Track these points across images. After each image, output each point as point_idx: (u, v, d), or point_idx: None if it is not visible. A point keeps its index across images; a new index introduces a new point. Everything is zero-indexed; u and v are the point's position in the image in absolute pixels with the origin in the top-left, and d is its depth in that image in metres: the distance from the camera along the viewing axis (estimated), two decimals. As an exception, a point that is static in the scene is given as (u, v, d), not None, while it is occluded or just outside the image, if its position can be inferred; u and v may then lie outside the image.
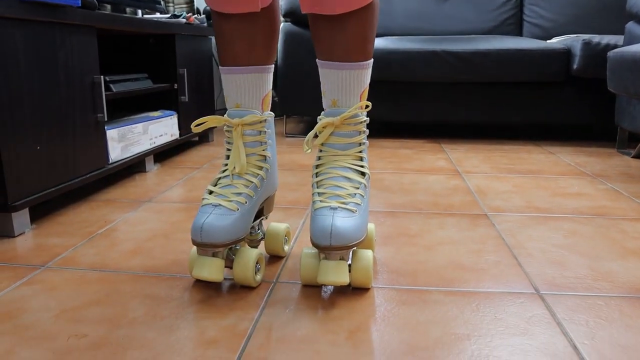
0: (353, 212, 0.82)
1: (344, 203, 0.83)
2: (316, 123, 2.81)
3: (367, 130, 0.89)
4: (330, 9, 0.81)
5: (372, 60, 0.89)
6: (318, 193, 0.85)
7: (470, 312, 0.79)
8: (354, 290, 0.86)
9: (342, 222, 0.80)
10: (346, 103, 0.87)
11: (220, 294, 0.85)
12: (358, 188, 0.86)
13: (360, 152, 0.88)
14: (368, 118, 0.89)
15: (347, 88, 0.86)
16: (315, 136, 2.24)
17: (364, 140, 0.89)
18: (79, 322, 0.76)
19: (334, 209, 0.82)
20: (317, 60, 0.89)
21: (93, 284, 0.89)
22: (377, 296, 0.84)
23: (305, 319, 0.77)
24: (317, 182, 0.87)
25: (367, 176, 0.88)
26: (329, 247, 0.79)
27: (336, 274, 0.79)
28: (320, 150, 0.89)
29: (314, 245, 0.81)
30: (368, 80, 0.89)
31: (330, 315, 0.78)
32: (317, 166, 0.89)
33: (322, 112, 0.90)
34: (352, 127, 0.87)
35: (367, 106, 0.87)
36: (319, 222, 0.80)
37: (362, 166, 0.88)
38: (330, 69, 0.86)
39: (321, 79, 0.89)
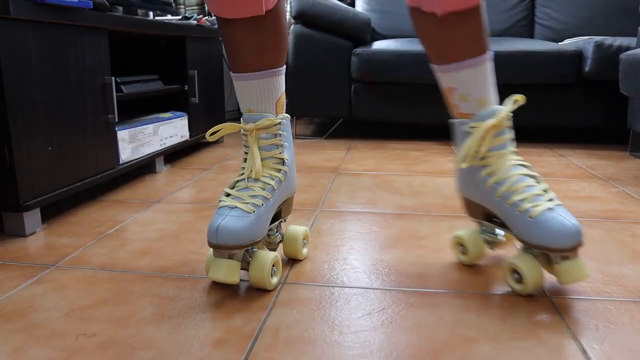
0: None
1: (551, 199, 0.82)
2: (326, 124, 2.81)
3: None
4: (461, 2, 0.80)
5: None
6: (520, 200, 0.83)
7: (478, 315, 0.79)
8: (362, 292, 0.86)
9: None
10: (491, 99, 0.86)
11: (229, 295, 0.86)
12: (540, 182, 0.85)
13: (514, 147, 0.87)
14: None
15: (486, 81, 0.85)
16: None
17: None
18: (88, 321, 0.77)
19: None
20: (443, 66, 0.86)
21: (102, 284, 0.90)
22: (385, 298, 0.84)
23: (312, 320, 0.77)
24: (507, 190, 0.84)
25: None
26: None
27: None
28: (483, 158, 0.87)
29: (554, 250, 0.80)
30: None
31: (337, 317, 0.78)
32: (490, 174, 0.87)
33: (461, 119, 0.88)
34: (506, 123, 0.85)
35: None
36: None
37: (521, 159, 0.87)
38: (467, 68, 0.84)
39: (453, 84, 0.86)
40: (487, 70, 0.85)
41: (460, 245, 0.98)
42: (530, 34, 2.73)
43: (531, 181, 0.84)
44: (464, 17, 0.82)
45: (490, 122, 0.83)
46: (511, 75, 2.17)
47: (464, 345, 0.70)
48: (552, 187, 1.53)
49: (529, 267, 0.83)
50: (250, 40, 0.87)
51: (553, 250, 0.80)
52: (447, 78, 0.87)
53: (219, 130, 0.90)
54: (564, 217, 0.80)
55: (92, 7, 1.25)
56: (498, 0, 2.73)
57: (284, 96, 0.93)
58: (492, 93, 0.86)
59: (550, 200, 0.82)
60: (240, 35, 0.87)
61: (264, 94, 0.90)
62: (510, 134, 0.86)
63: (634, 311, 0.80)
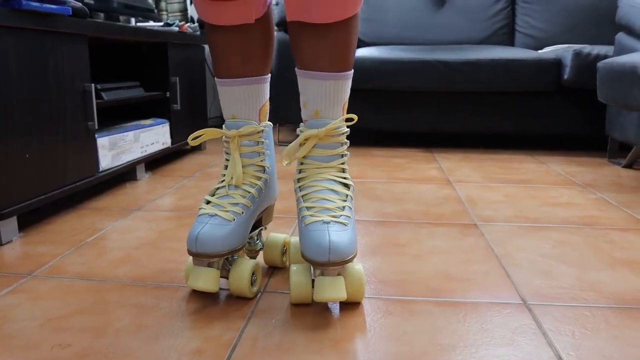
0: (345, 225, 0.81)
1: (334, 217, 0.81)
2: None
3: (348, 141, 0.88)
4: (319, 17, 0.80)
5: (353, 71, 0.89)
6: (306, 207, 0.83)
7: (457, 322, 0.79)
8: (342, 302, 0.86)
9: (338, 236, 0.78)
10: (330, 114, 0.86)
11: (207, 304, 0.85)
12: (345, 200, 0.84)
13: (343, 163, 0.87)
14: (348, 129, 0.88)
15: (330, 99, 0.85)
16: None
17: (346, 152, 0.87)
18: (64, 332, 0.76)
19: (327, 223, 0.80)
20: (297, 69, 0.87)
21: (79, 293, 0.88)
22: (364, 306, 0.84)
23: (291, 329, 0.77)
24: (302, 196, 0.85)
25: (351, 188, 0.87)
26: (328, 263, 0.77)
27: (334, 290, 0.77)
28: (302, 163, 0.87)
29: (310, 261, 0.78)
30: (349, 92, 0.87)
31: (316, 325, 0.78)
32: (299, 179, 0.87)
33: (302, 123, 0.88)
34: (335, 138, 0.85)
35: (351, 119, 0.86)
36: (314, 238, 0.78)
37: (345, 178, 0.87)
38: (313, 79, 0.84)
39: (301, 89, 0.87)
40: (331, 86, 0.84)
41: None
42: (510, 42, 2.77)
43: (332, 196, 0.83)
44: (321, 31, 0.82)
45: (312, 131, 0.84)
46: (492, 82, 2.20)
47: (442, 353, 0.71)
48: (532, 193, 1.55)
49: (296, 273, 0.83)
50: (238, 47, 0.87)
51: (305, 259, 0.79)
52: (299, 82, 0.88)
53: (200, 135, 0.89)
54: (329, 232, 0.78)
55: (71, 13, 1.24)
56: (479, 9, 2.76)
57: (267, 104, 0.93)
58: (332, 109, 0.86)
59: (334, 217, 0.81)
60: (228, 41, 0.87)
61: (248, 101, 0.90)
62: (341, 150, 0.86)
63: (609, 317, 0.81)
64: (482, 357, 0.70)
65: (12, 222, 1.14)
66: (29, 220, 1.28)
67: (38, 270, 0.98)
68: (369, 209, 1.39)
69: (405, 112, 2.32)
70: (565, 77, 2.14)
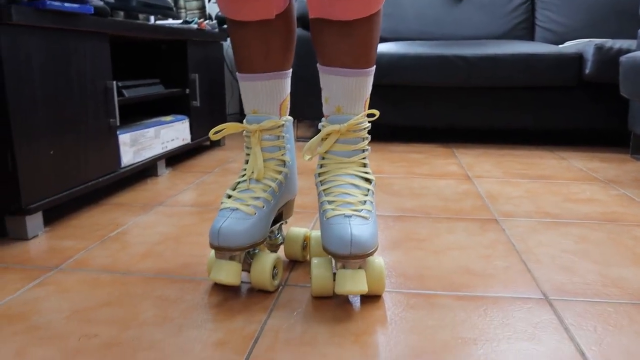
0: (367, 219, 0.82)
1: (356, 210, 0.82)
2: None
3: (369, 136, 0.89)
4: (342, 14, 0.81)
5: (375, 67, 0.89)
6: (328, 201, 0.84)
7: (478, 316, 0.79)
8: (363, 295, 0.86)
9: (360, 229, 0.79)
10: (351, 110, 0.86)
11: (229, 297, 0.86)
12: (367, 195, 0.85)
13: (364, 158, 0.88)
14: (370, 124, 0.89)
15: (352, 95, 0.86)
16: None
17: (367, 147, 0.88)
18: (90, 323, 0.77)
19: (349, 216, 0.81)
20: (318, 65, 0.88)
21: (104, 286, 0.90)
22: (385, 300, 0.85)
23: (313, 322, 0.78)
24: (324, 190, 0.86)
25: (372, 182, 0.88)
26: (349, 256, 0.78)
27: (355, 283, 0.78)
28: (323, 158, 0.88)
29: (332, 254, 0.79)
30: (371, 88, 0.88)
31: (338, 319, 0.79)
32: (320, 174, 0.88)
33: (324, 118, 0.89)
34: (356, 134, 0.86)
35: (373, 115, 0.87)
36: (336, 231, 0.79)
37: (366, 172, 0.88)
38: (335, 75, 0.85)
39: (323, 85, 0.88)
40: (354, 83, 0.85)
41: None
42: (531, 37, 2.74)
43: (353, 190, 0.84)
44: (343, 28, 0.83)
45: (334, 127, 0.85)
46: (511, 77, 2.18)
47: (463, 347, 0.71)
48: (553, 189, 1.54)
49: (317, 266, 0.84)
50: (259, 42, 0.88)
51: (327, 252, 0.80)
52: (321, 78, 0.89)
53: (222, 129, 0.90)
54: (351, 225, 0.79)
55: (93, 12, 1.26)
56: (498, 3, 2.74)
57: (288, 99, 0.94)
58: (354, 105, 0.86)
59: (356, 210, 0.82)
60: (249, 37, 0.88)
61: (269, 96, 0.91)
62: (362, 145, 0.87)
63: (632, 313, 0.80)
64: (503, 351, 0.70)
65: (38, 217, 1.16)
66: (54, 215, 1.31)
67: (64, 263, 1.00)
68: (388, 204, 1.39)
69: (424, 108, 2.31)
70: (587, 71, 2.11)
